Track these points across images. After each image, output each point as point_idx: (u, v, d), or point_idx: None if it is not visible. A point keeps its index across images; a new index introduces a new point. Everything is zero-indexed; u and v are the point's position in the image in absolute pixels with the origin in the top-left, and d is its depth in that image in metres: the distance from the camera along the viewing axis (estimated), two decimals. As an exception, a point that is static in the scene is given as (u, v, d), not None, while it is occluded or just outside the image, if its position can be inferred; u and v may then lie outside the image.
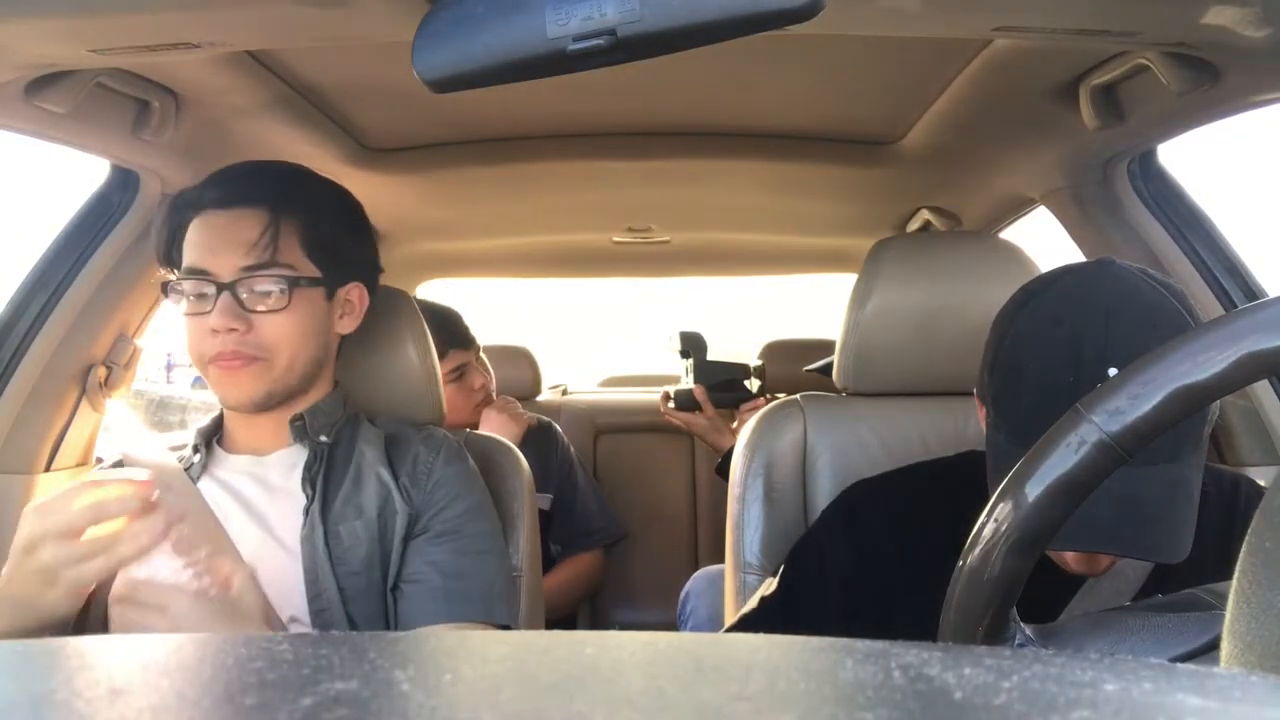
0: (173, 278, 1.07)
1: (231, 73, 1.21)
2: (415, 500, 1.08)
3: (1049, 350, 0.81)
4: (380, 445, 1.12)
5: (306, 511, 1.05)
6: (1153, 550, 0.74)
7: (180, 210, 1.09)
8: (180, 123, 1.27)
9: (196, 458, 1.10)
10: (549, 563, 2.02)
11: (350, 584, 1.03)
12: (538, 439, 2.10)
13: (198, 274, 1.04)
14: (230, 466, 1.11)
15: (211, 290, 1.03)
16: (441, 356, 1.89)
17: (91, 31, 0.89)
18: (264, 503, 1.07)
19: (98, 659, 0.33)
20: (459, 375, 1.90)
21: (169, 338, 1.02)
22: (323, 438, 1.10)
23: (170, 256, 1.09)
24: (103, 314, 1.42)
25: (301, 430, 1.09)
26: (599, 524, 2.13)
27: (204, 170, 1.13)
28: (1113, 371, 0.76)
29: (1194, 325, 0.79)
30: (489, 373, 2.03)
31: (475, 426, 1.89)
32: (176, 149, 1.31)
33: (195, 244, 1.06)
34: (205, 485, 1.09)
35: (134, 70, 1.15)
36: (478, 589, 1.06)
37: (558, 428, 2.21)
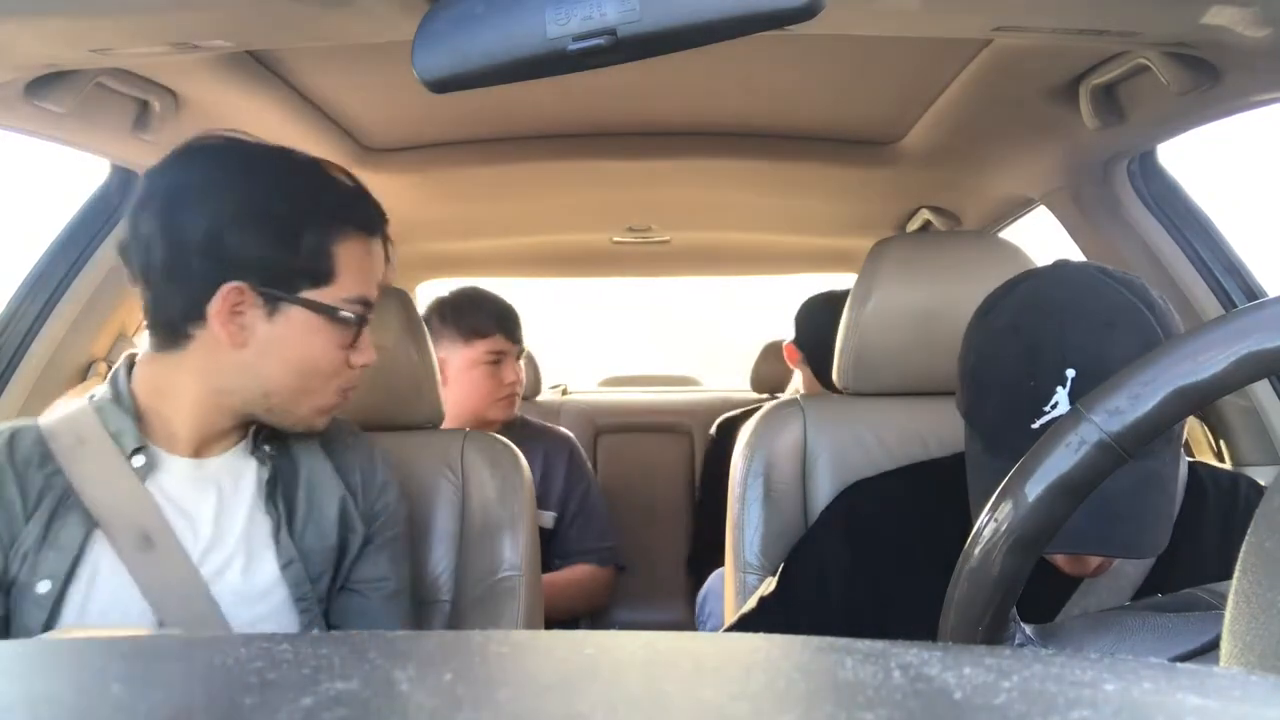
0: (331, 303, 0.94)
1: (231, 73, 1.21)
2: (364, 515, 1.06)
3: (1009, 358, 0.81)
4: (321, 453, 1.05)
5: (277, 538, 0.98)
6: (1124, 547, 0.74)
7: (333, 220, 0.95)
8: (180, 123, 1.27)
9: (140, 460, 0.95)
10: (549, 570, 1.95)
11: (328, 605, 1.03)
12: (546, 450, 1.96)
13: (366, 304, 0.98)
14: (171, 470, 0.97)
15: (358, 320, 0.98)
16: (485, 336, 1.82)
17: (91, 31, 0.89)
18: (218, 516, 0.97)
19: (98, 659, 0.33)
20: (495, 360, 1.81)
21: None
22: (267, 447, 1.01)
23: (302, 258, 0.93)
24: (103, 313, 1.42)
25: (256, 438, 1.01)
26: (604, 542, 1.97)
27: None
28: (1070, 373, 0.76)
29: (1154, 319, 0.79)
30: (522, 379, 1.92)
31: (492, 423, 1.80)
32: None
33: (361, 270, 0.97)
34: (150, 489, 0.95)
35: (134, 70, 1.15)
36: (408, 590, 1.11)
37: (576, 443, 2.06)
